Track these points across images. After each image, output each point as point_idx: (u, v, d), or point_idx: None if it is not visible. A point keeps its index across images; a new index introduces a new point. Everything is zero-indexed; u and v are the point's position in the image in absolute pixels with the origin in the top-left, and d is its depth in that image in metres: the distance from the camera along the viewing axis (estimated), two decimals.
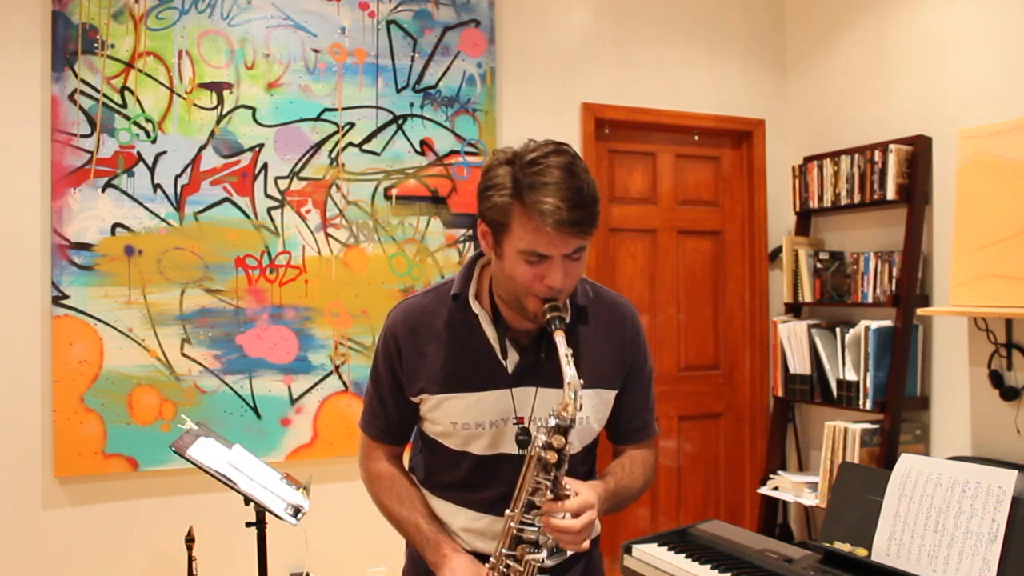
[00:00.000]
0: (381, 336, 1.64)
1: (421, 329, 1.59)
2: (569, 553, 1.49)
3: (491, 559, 1.49)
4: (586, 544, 1.43)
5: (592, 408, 1.60)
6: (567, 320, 1.49)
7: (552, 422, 1.41)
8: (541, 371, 1.54)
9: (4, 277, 2.96)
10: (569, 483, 1.44)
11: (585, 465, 1.66)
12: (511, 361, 1.56)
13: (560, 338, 1.41)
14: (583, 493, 1.44)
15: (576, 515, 1.41)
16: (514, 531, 1.45)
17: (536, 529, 1.43)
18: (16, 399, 2.96)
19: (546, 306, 1.44)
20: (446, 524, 1.62)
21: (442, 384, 1.57)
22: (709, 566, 2.43)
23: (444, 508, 1.63)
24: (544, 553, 1.44)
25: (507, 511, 1.46)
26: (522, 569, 1.45)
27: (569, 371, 1.39)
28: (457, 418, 1.56)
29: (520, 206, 1.40)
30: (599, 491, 1.51)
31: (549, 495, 1.42)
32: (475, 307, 1.57)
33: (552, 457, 1.41)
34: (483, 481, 1.58)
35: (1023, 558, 2.00)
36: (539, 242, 1.40)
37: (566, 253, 1.42)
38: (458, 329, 1.58)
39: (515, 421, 1.54)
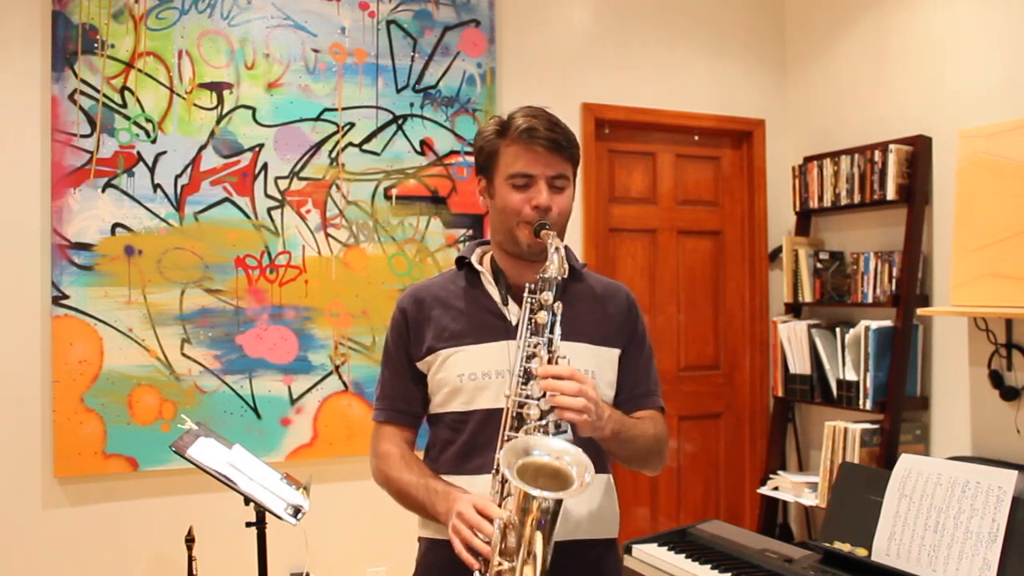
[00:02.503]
0: (391, 320, 1.73)
1: (427, 298, 1.70)
2: (570, 432, 1.49)
3: (497, 453, 1.49)
4: (584, 417, 1.44)
5: (596, 365, 1.64)
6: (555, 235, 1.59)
7: (538, 280, 1.53)
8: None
9: (4, 277, 2.96)
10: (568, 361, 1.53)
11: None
12: (513, 314, 1.64)
13: (547, 234, 1.55)
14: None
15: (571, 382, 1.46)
16: (515, 407, 1.48)
17: (536, 401, 1.46)
18: (16, 399, 2.96)
19: (536, 224, 1.58)
20: None
21: (448, 340, 1.65)
22: (709, 566, 2.43)
23: (460, 481, 1.61)
24: (544, 422, 1.45)
25: (504, 392, 1.52)
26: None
27: (554, 240, 1.54)
28: (463, 369, 1.62)
29: (504, 139, 1.62)
30: (605, 405, 1.53)
31: (544, 357, 1.49)
32: (477, 267, 1.69)
33: (542, 317, 1.51)
34: (492, 437, 1.57)
35: (1023, 558, 2.00)
36: (522, 159, 1.59)
37: (549, 175, 1.59)
38: (463, 292, 1.69)
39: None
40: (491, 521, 1.41)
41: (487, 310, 1.65)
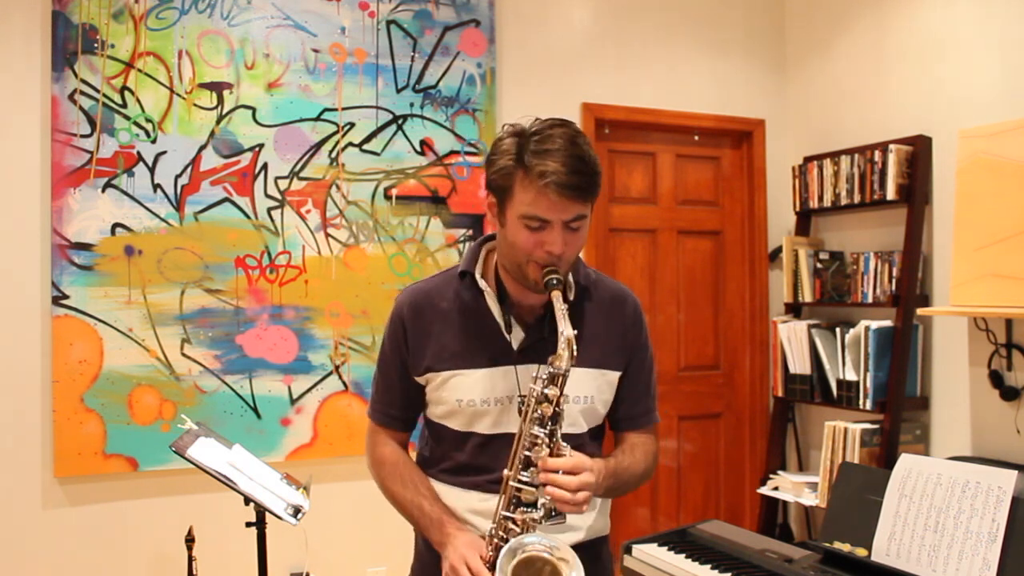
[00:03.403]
0: (388, 320, 1.68)
1: (427, 309, 1.63)
2: (566, 519, 1.49)
3: (491, 524, 1.48)
4: (584, 508, 1.43)
5: (596, 389, 1.63)
6: (564, 285, 1.52)
7: (545, 372, 1.45)
8: (546, 348, 1.55)
9: (4, 277, 2.96)
10: (568, 449, 1.47)
11: (592, 447, 1.67)
12: (516, 338, 1.59)
13: (557, 296, 1.46)
14: (581, 456, 1.46)
15: (572, 475, 1.43)
16: (513, 490, 1.46)
17: (534, 490, 1.44)
18: (16, 399, 2.96)
19: (545, 270, 1.48)
20: (453, 509, 1.62)
21: (448, 361, 1.60)
22: (709, 566, 2.43)
23: (451, 493, 1.63)
24: (541, 512, 1.44)
25: (505, 471, 1.48)
26: (520, 531, 1.45)
27: (564, 325, 1.43)
28: (463, 395, 1.59)
29: (522, 171, 1.46)
30: (599, 465, 1.51)
31: (545, 451, 1.44)
32: (481, 284, 1.61)
33: (547, 409, 1.44)
34: (489, 461, 1.58)
35: (1023, 558, 2.00)
36: (539, 206, 1.45)
37: (566, 219, 1.47)
38: (464, 307, 1.61)
39: (520, 398, 1.56)
40: None
41: (490, 333, 1.60)
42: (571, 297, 1.55)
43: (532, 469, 1.44)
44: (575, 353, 1.45)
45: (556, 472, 1.41)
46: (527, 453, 1.45)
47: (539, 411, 1.45)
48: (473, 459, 1.61)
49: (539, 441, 1.44)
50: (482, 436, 1.59)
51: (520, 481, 1.45)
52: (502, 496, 1.48)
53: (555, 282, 1.47)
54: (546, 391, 1.45)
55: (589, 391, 1.61)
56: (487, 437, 1.59)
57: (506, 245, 1.55)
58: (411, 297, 1.66)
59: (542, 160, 1.43)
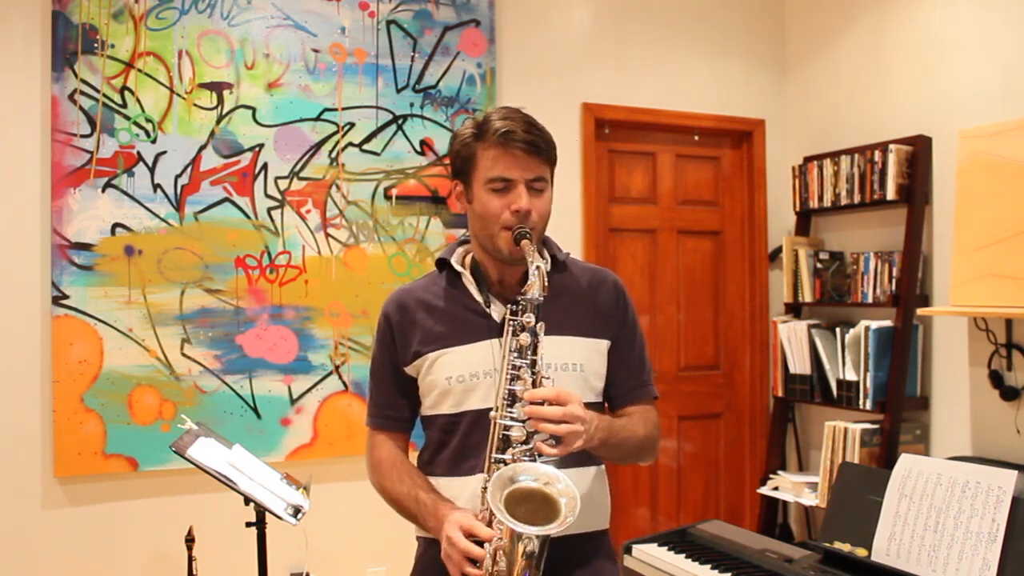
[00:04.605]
0: (376, 325, 1.73)
1: (410, 303, 1.70)
2: (556, 454, 1.49)
3: (483, 475, 1.50)
4: (578, 443, 1.44)
5: (585, 357, 1.65)
6: (534, 240, 1.58)
7: (519, 303, 1.52)
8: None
9: (4, 277, 2.96)
10: (552, 382, 1.53)
11: None
12: (497, 313, 1.64)
13: (527, 243, 1.54)
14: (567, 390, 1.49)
15: (557, 406, 1.45)
16: (501, 429, 1.48)
17: (523, 425, 1.46)
18: (16, 399, 2.96)
19: (515, 227, 1.56)
20: (455, 498, 1.62)
21: (434, 343, 1.65)
22: (709, 566, 2.43)
23: (453, 484, 1.63)
24: (531, 445, 1.45)
25: (491, 412, 1.51)
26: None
27: (535, 258, 1.52)
28: (452, 371, 1.63)
29: (481, 141, 1.59)
30: (592, 414, 1.52)
31: (528, 380, 1.48)
32: (458, 268, 1.69)
33: (525, 339, 1.49)
34: (484, 439, 1.58)
35: (1023, 558, 2.00)
36: (501, 163, 1.56)
37: (528, 179, 1.57)
38: (445, 293, 1.69)
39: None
40: (480, 543, 1.42)
41: (470, 310, 1.65)
42: (546, 266, 1.60)
43: (518, 404, 1.47)
44: (547, 285, 1.52)
45: (541, 404, 1.44)
46: (511, 387, 1.48)
47: (517, 343, 1.50)
48: (468, 438, 1.62)
49: (520, 373, 1.48)
50: (474, 412, 1.61)
51: (507, 418, 1.47)
52: (491, 438, 1.50)
53: (526, 232, 1.54)
54: (522, 319, 1.50)
55: (578, 359, 1.63)
56: (479, 412, 1.60)
57: (477, 221, 1.62)
58: (395, 296, 1.73)
59: (497, 125, 1.56)
